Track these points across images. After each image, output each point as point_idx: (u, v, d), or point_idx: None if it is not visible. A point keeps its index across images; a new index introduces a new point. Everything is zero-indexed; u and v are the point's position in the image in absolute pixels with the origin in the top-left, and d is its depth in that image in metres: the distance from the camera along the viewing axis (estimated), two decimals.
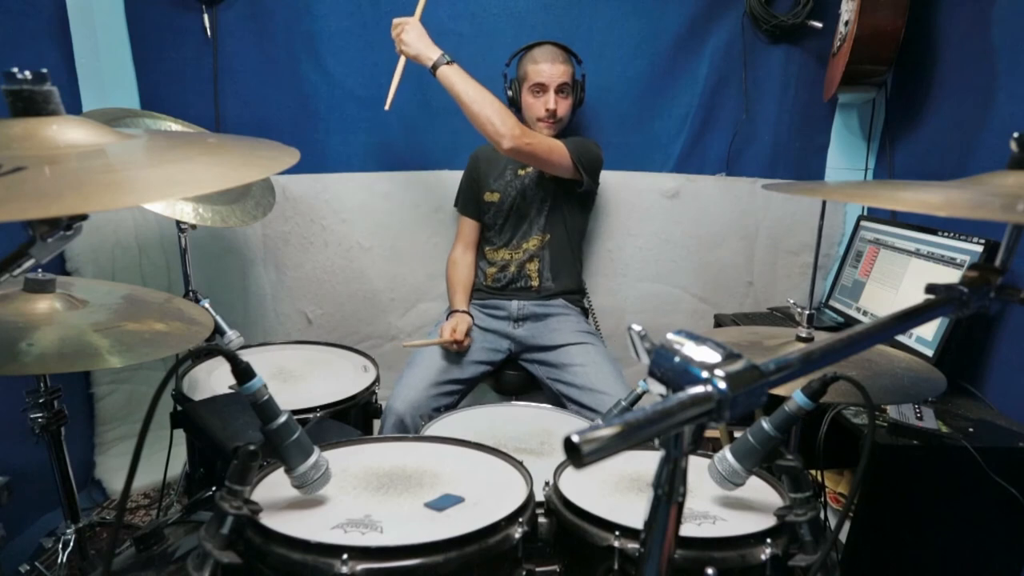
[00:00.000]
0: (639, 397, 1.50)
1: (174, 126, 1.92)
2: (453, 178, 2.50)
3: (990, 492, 1.55)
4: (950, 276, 1.86)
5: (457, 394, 2.04)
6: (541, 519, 1.08)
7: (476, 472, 1.14)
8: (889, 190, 0.92)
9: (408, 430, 1.81)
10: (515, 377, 2.20)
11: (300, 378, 1.68)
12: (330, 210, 2.47)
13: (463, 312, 2.17)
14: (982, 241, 1.80)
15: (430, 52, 1.98)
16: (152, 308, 1.28)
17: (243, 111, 2.38)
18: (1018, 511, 1.55)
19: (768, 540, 0.97)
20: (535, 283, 2.22)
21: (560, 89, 2.12)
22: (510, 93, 2.21)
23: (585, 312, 2.34)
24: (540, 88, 2.12)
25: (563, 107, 2.13)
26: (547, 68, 2.10)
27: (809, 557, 0.98)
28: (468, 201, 2.32)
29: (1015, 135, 0.78)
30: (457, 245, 2.34)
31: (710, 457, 1.09)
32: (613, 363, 2.02)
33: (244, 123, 2.38)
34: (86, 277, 2.13)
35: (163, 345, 1.15)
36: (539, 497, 1.10)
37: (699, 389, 0.51)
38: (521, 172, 2.24)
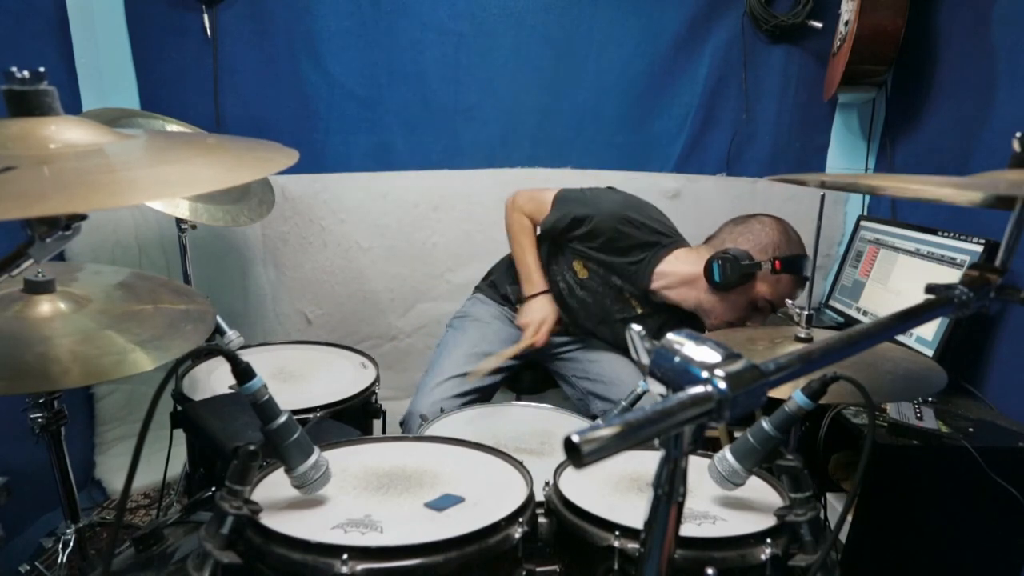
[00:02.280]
0: (639, 397, 1.50)
1: (174, 127, 1.92)
2: (453, 178, 2.51)
3: (990, 492, 1.55)
4: (950, 276, 1.85)
5: (481, 400, 1.92)
6: (541, 519, 1.07)
7: (476, 472, 1.14)
8: (895, 180, 0.92)
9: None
10: (530, 375, 2.15)
11: (300, 378, 1.68)
12: (329, 210, 2.47)
13: (547, 294, 1.89)
14: (982, 241, 1.80)
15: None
16: (155, 285, 1.27)
17: (243, 111, 2.38)
18: (1018, 511, 1.55)
19: (768, 540, 0.97)
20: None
21: None
22: (726, 272, 1.72)
23: None
24: (767, 306, 1.79)
25: None
26: (795, 294, 1.76)
27: (809, 557, 0.97)
28: (554, 232, 1.92)
29: (1017, 135, 0.78)
30: (527, 217, 1.97)
31: (710, 457, 1.09)
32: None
33: (244, 123, 2.38)
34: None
35: (184, 325, 1.13)
36: (539, 497, 1.10)
37: (699, 389, 0.51)
38: (630, 299, 1.92)
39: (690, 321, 1.89)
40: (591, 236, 1.87)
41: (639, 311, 1.93)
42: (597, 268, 1.91)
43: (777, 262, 1.71)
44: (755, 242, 1.76)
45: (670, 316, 1.92)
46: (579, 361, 2.05)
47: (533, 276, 1.93)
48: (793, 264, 1.73)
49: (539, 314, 1.87)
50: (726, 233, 1.83)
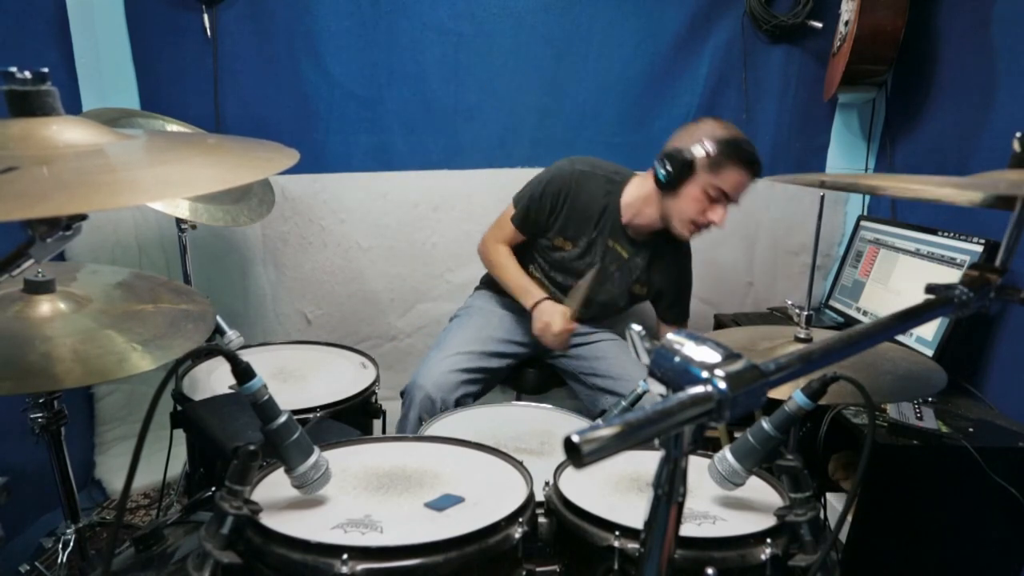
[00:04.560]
0: (639, 397, 1.50)
1: (174, 127, 1.92)
2: (453, 178, 2.50)
3: (990, 492, 1.55)
4: (950, 276, 1.86)
5: (482, 383, 1.94)
6: (541, 519, 1.08)
7: (476, 472, 1.14)
8: (895, 180, 0.93)
9: (436, 407, 1.78)
10: (534, 375, 2.14)
11: (300, 378, 1.68)
12: (329, 210, 2.47)
13: (547, 299, 1.90)
14: (982, 241, 1.80)
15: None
16: (155, 285, 1.27)
17: (243, 111, 2.38)
18: (1018, 511, 1.55)
19: (768, 540, 0.97)
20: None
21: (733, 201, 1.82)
22: (667, 168, 1.78)
23: None
24: (720, 196, 1.78)
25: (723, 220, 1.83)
26: (744, 181, 1.77)
27: (809, 557, 0.97)
28: (528, 222, 1.97)
29: (1017, 135, 0.78)
30: (500, 243, 2.04)
31: (710, 457, 1.09)
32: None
33: (244, 123, 2.38)
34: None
35: (184, 325, 1.13)
36: (539, 497, 1.10)
37: (699, 389, 0.51)
38: (613, 245, 1.97)
39: (672, 245, 1.98)
40: (559, 204, 1.93)
41: (625, 255, 1.99)
42: (575, 233, 1.97)
43: (710, 144, 1.74)
44: (688, 136, 1.80)
45: (655, 250, 1.99)
46: (585, 358, 2.06)
47: (529, 288, 1.97)
48: (728, 146, 1.75)
49: (543, 319, 1.88)
50: (665, 144, 1.88)
